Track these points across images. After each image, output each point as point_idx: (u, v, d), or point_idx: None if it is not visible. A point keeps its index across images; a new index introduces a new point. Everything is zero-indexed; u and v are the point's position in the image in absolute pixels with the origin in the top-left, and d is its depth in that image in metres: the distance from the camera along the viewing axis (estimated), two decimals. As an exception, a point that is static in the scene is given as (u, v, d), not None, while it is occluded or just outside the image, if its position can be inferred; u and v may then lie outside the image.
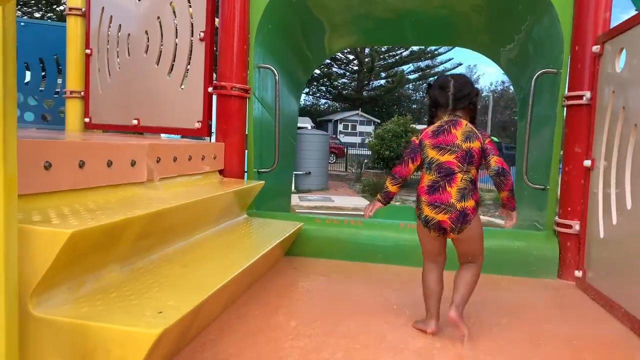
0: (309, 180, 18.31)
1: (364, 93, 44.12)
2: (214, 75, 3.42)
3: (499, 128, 50.25)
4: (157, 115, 3.88)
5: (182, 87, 3.65)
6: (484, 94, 54.18)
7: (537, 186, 3.21)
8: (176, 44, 3.69)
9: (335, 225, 3.32)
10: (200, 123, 3.51)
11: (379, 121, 41.23)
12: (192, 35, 3.55)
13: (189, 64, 3.60)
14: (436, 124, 2.11)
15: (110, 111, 4.36)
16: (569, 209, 2.99)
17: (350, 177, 22.28)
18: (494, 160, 2.00)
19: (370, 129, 40.34)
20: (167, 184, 2.53)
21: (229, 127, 3.32)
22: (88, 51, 4.51)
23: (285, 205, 4.48)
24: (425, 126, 2.19)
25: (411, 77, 43.91)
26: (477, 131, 2.04)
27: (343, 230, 3.29)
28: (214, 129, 3.53)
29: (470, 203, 2.00)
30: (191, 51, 3.59)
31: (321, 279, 2.87)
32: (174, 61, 3.71)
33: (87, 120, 4.59)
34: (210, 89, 3.39)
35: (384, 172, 19.28)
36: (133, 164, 2.22)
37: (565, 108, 3.04)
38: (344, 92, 44.24)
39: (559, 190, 3.13)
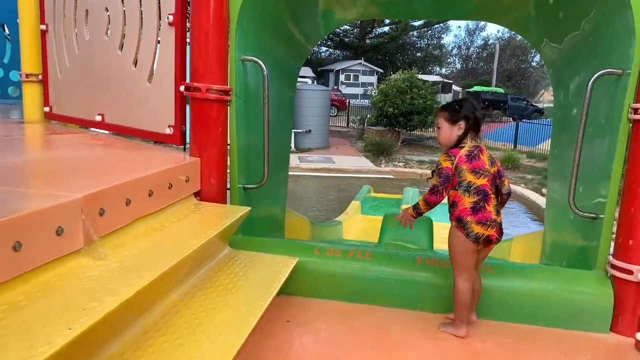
0: (309, 139, 17.66)
1: (367, 41, 42.48)
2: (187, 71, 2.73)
3: (504, 78, 48.88)
4: (123, 113, 3.22)
5: (150, 82, 2.97)
6: (490, 42, 52.41)
7: (587, 214, 2.60)
8: (141, 28, 2.98)
9: (337, 258, 2.72)
10: (171, 128, 2.86)
11: (381, 71, 39.93)
12: (159, 19, 2.84)
13: (156, 54, 2.91)
14: (466, 149, 2.28)
15: (72, 101, 3.69)
16: (631, 248, 2.40)
17: (352, 134, 21.56)
18: (507, 182, 2.42)
19: (373, 79, 39.10)
20: (117, 241, 1.92)
21: (205, 138, 2.67)
22: (43, 27, 3.80)
23: (278, 219, 3.84)
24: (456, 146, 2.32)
25: (416, 23, 42.14)
26: (492, 157, 2.36)
27: (348, 265, 2.70)
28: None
29: (501, 217, 2.34)
30: (159, 38, 2.89)
31: (322, 338, 2.33)
32: (139, 49, 3.02)
33: (46, 109, 3.93)
34: (182, 88, 2.72)
35: (387, 129, 18.55)
36: (60, 232, 1.61)
37: (631, 122, 2.39)
38: (346, 39, 42.59)
39: (615, 221, 2.53)
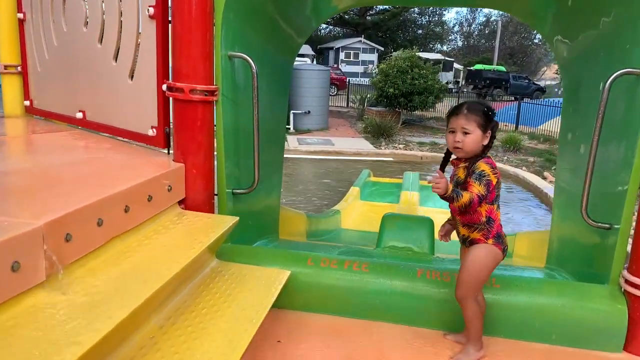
0: (308, 120, 17.38)
1: (367, 18, 41.77)
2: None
3: (506, 55, 48.23)
4: (104, 111, 3.02)
5: (131, 79, 2.76)
6: (492, 18, 51.55)
7: (601, 224, 2.42)
8: (121, 20, 2.76)
9: (332, 269, 2.55)
10: (154, 130, 2.66)
11: (382, 49, 39.33)
12: (139, 11, 2.61)
13: (137, 49, 2.69)
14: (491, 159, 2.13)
15: (52, 96, 3.48)
16: (647, 264, 2.23)
17: (352, 115, 21.26)
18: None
19: (373, 57, 38.55)
20: (87, 268, 1.74)
21: (190, 142, 2.47)
22: (21, 15, 3.57)
23: (272, 219, 3.63)
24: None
25: (417, 0, 41.28)
26: None
27: (343, 277, 2.53)
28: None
29: None
30: (139, 32, 2.67)
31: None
32: (120, 42, 2.80)
33: (27, 103, 3.72)
34: (164, 87, 2.51)
35: (387, 110, 18.25)
36: (15, 267, 1.43)
37: (652, 126, 2.19)
38: (346, 16, 41.84)
39: (631, 233, 2.35)
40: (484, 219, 2.12)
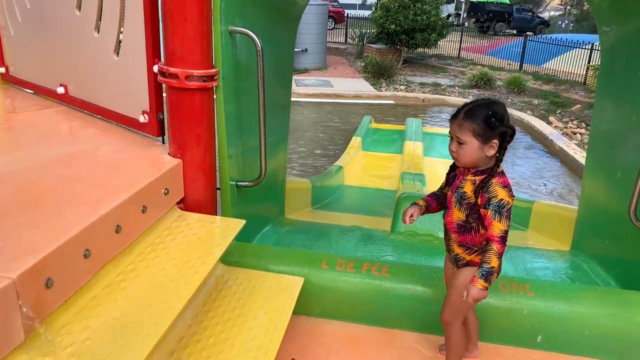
0: (305, 58, 16.73)
1: (366, -56, 39.49)
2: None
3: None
4: (88, 87, 2.67)
5: (117, 55, 2.40)
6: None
7: (651, 228, 2.17)
8: (101, -17, 2.36)
9: (349, 273, 2.31)
10: (146, 116, 2.33)
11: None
12: (122, -26, 2.21)
13: (122, 20, 2.31)
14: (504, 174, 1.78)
15: (30, 65, 3.10)
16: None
17: (351, 52, 20.48)
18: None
19: (373, -14, 36.81)
20: (72, 312, 1.48)
21: (187, 135, 2.15)
22: (-13, -31, 3.11)
23: (278, 201, 3.35)
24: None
25: None
26: None
27: (361, 282, 2.30)
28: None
29: None
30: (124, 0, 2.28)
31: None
32: (101, 11, 2.41)
33: (2, 70, 3.34)
34: (155, 69, 2.16)
35: (388, 48, 17.53)
36: (-15, 340, 1.17)
37: None
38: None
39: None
40: (482, 244, 1.81)
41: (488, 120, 1.70)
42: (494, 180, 1.72)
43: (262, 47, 2.21)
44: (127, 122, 2.46)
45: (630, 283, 2.41)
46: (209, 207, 2.29)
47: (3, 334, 1.24)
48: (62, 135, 2.46)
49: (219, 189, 2.39)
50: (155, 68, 2.15)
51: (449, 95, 13.56)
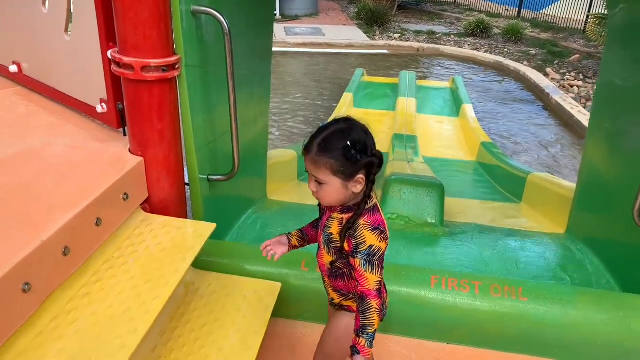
0: (296, 4, 16.05)
1: None
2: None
3: None
4: (43, 68, 2.41)
5: (69, 35, 2.13)
6: None
7: (655, 229, 2.01)
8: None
9: (330, 275, 2.16)
10: (104, 105, 2.09)
11: None
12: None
13: (70, -3, 2.03)
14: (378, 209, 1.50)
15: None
16: None
17: (344, -3, 19.68)
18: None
19: None
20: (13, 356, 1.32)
21: (148, 131, 1.92)
22: None
23: (258, 185, 3.12)
24: None
25: None
26: None
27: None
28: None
29: None
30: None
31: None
32: (47, -16, 2.12)
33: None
34: (109, 54, 1.90)
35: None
36: None
37: None
38: None
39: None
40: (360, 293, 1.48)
41: (348, 154, 1.38)
42: (361, 221, 1.44)
43: (230, 27, 1.95)
44: (85, 110, 2.23)
45: (635, 285, 2.27)
46: (177, 206, 2.10)
47: None
48: (10, 126, 2.21)
49: (187, 184, 2.19)
50: (109, 54, 1.90)
51: (445, 45, 13.12)
